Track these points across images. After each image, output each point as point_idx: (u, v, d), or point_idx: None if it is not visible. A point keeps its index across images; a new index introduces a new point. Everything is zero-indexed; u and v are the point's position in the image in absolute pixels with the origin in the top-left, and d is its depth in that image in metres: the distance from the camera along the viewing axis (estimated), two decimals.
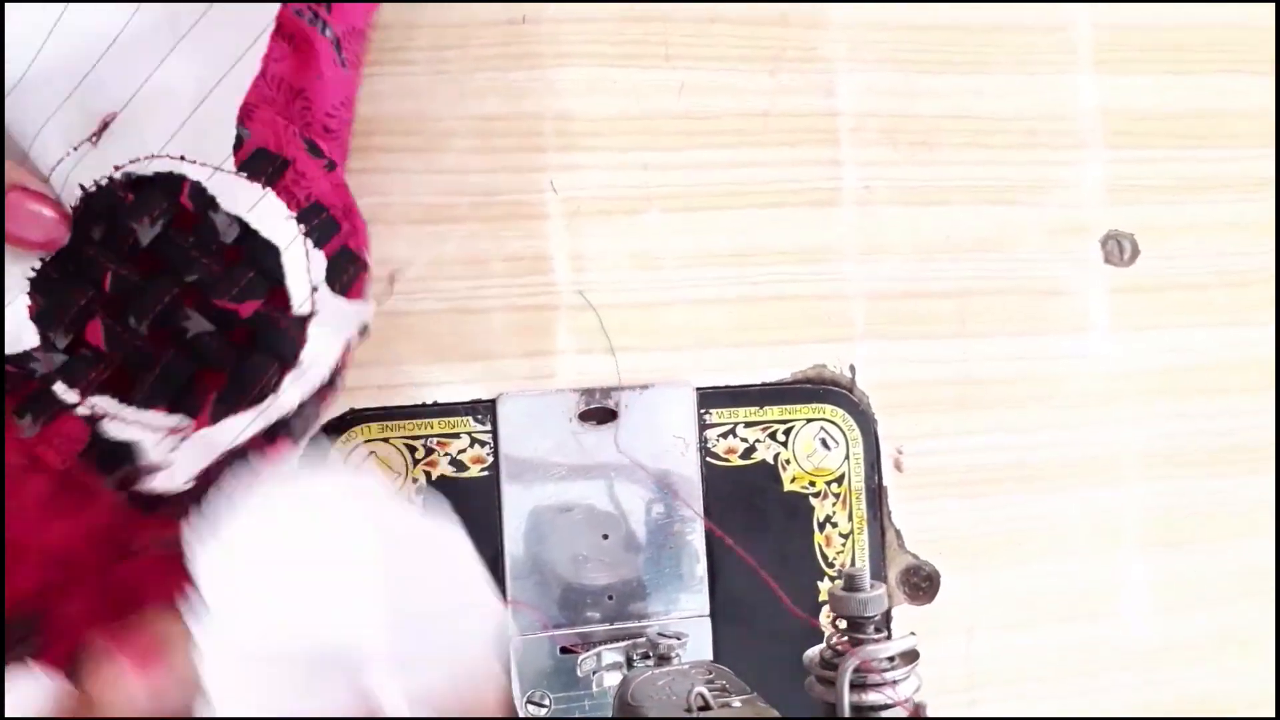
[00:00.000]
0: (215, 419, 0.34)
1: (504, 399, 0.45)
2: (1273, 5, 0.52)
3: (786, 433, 0.47)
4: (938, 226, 0.49)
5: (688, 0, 0.46)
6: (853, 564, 0.47)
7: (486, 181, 0.45)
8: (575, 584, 0.45)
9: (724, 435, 0.47)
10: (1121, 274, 0.51)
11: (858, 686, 0.31)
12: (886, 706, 0.31)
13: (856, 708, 0.31)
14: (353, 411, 0.44)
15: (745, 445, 0.47)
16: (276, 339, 0.35)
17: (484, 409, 0.45)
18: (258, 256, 0.35)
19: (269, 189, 0.35)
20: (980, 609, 0.49)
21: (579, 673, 0.43)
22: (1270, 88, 0.52)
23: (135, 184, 0.34)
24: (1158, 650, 0.51)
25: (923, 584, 0.48)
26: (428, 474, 0.44)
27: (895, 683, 0.32)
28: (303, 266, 0.35)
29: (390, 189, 0.44)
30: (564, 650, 0.45)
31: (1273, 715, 0.51)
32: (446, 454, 0.44)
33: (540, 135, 0.45)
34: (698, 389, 0.47)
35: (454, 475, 0.44)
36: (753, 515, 0.47)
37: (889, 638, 0.34)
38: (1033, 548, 0.50)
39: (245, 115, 0.35)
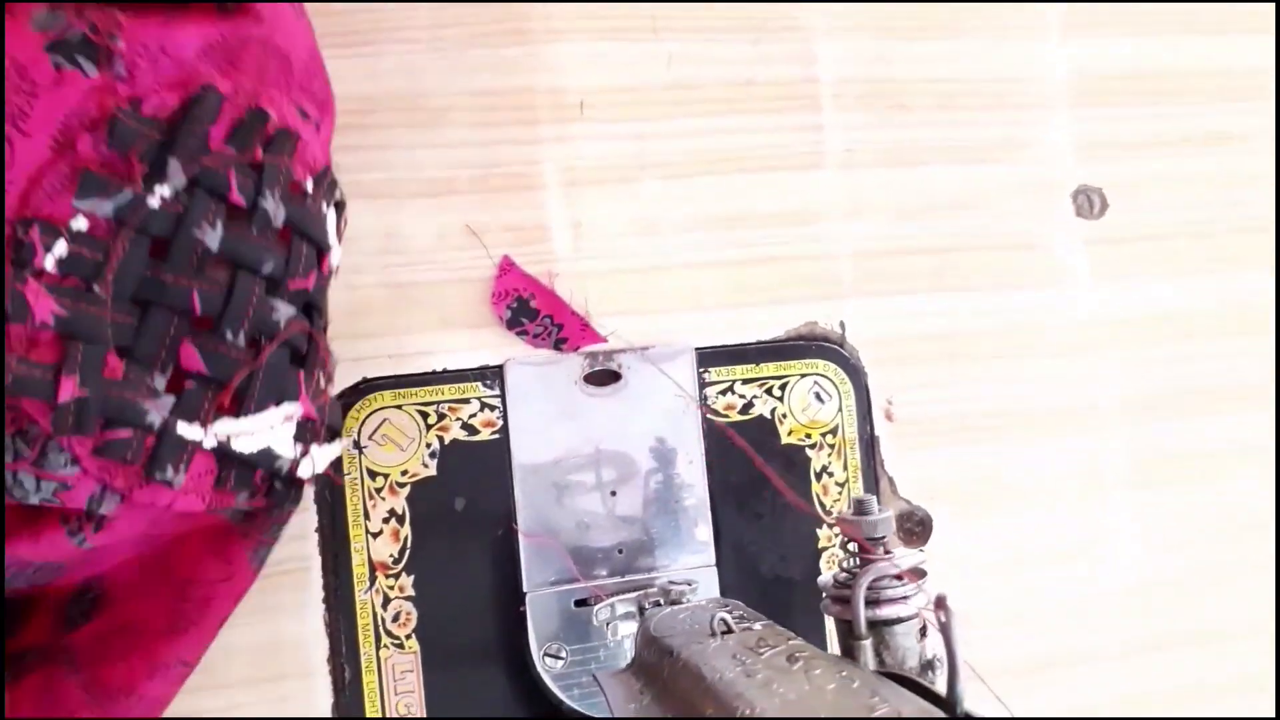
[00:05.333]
0: (314, 398, 0.36)
1: (511, 364, 0.46)
2: None
3: (782, 388, 0.49)
4: (917, 187, 0.51)
5: None
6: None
7: (484, 154, 0.46)
8: (586, 540, 0.47)
9: (723, 392, 0.49)
10: (1092, 227, 0.53)
11: (872, 603, 0.33)
12: (900, 620, 0.33)
13: (872, 622, 0.33)
14: (365, 381, 0.45)
15: (744, 401, 0.49)
16: (324, 295, 0.37)
17: (492, 374, 0.46)
18: (307, 229, 0.35)
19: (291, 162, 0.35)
20: (971, 551, 0.51)
21: (594, 622, 0.45)
22: (1228, 46, 0.55)
23: (180, 194, 0.32)
24: (1145, 587, 0.53)
25: (916, 528, 0.50)
26: (441, 438, 0.46)
27: (906, 597, 0.33)
28: (334, 225, 0.37)
29: (393, 164, 0.45)
30: (578, 603, 0.46)
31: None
32: (458, 419, 0.46)
33: (534, 109, 0.47)
34: (697, 349, 0.48)
35: (466, 439, 0.46)
36: (753, 468, 0.48)
37: None
38: (1020, 492, 0.52)
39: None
